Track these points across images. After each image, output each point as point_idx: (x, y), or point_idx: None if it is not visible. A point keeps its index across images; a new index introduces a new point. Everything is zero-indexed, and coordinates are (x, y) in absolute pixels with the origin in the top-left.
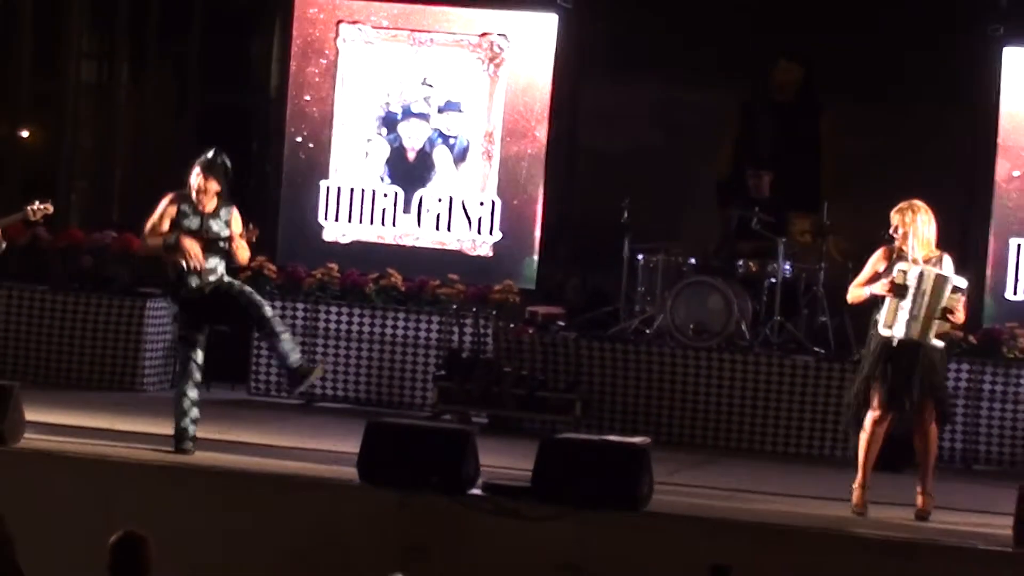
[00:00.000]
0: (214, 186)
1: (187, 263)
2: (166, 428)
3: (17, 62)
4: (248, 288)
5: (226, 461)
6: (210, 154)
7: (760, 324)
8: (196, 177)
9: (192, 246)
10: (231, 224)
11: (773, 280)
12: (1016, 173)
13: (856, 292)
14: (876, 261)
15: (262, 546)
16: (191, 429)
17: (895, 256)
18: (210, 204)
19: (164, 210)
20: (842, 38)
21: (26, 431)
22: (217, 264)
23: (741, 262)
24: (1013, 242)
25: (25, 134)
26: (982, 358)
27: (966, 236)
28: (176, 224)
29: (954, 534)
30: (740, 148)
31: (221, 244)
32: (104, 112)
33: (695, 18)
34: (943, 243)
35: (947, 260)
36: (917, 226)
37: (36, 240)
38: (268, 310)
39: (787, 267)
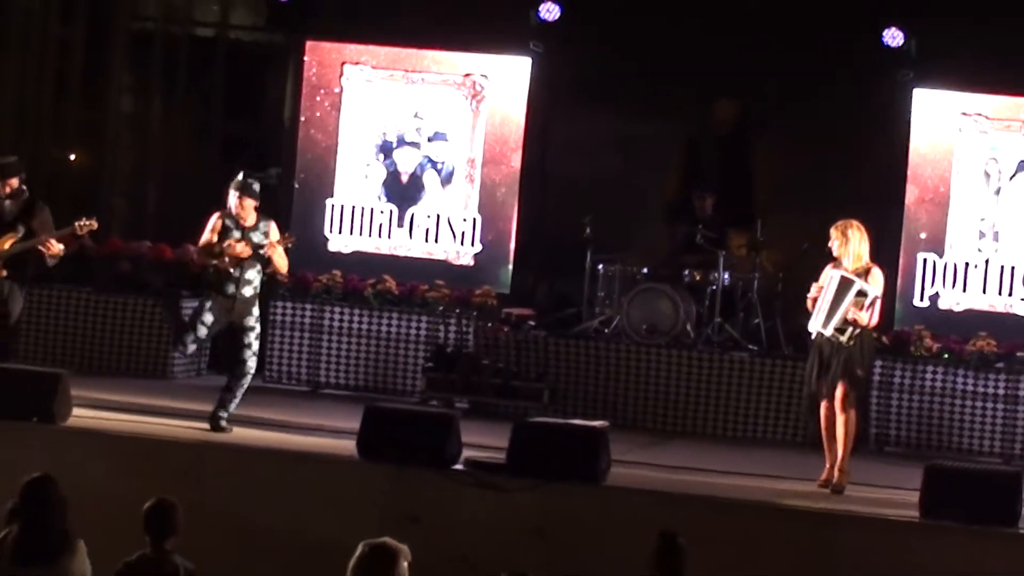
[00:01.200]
0: (250, 203)
1: (230, 265)
2: (193, 408)
3: (67, 96)
4: (254, 348)
5: (245, 438)
6: (240, 176)
7: (703, 325)
8: (233, 198)
9: (235, 246)
10: (269, 235)
11: (714, 287)
12: (921, 201)
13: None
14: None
15: (274, 512)
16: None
17: (833, 266)
18: (249, 219)
19: (212, 226)
20: (774, 79)
21: (73, 412)
22: (255, 276)
23: (687, 272)
24: (920, 256)
25: (73, 157)
26: (893, 356)
27: (880, 251)
28: (222, 237)
29: (870, 504)
30: (686, 174)
31: (260, 253)
32: (140, 139)
33: (648, 61)
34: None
35: (876, 272)
36: (848, 240)
37: (82, 248)
38: (248, 366)
39: (726, 276)
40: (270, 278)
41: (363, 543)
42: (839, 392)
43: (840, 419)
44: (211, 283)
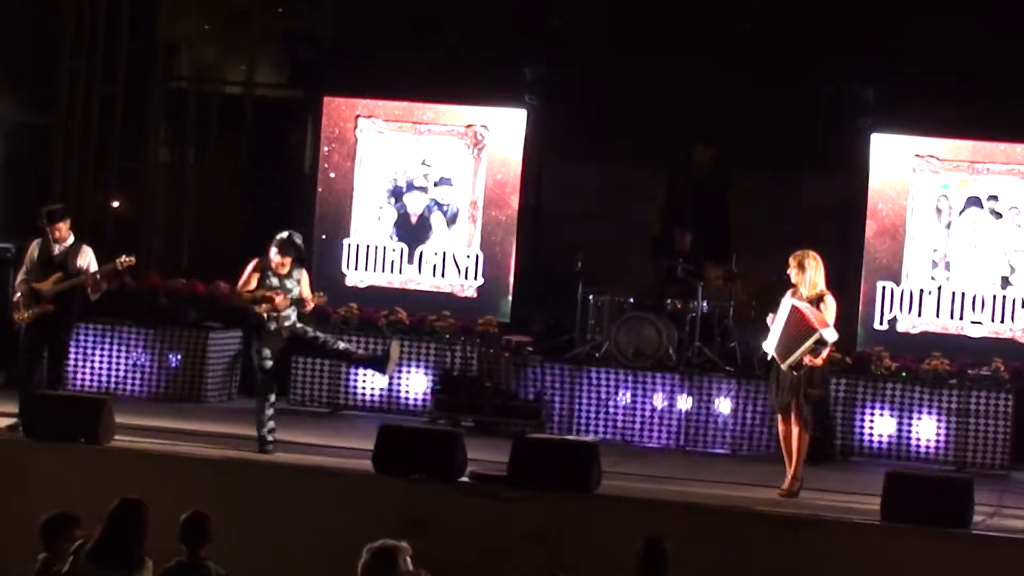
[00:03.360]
0: (289, 259)
1: (268, 311)
2: (225, 430)
3: (110, 147)
4: (320, 335)
5: (270, 456)
6: (284, 235)
7: (684, 349)
8: (275, 253)
9: (275, 296)
10: (301, 282)
11: (694, 315)
12: (880, 234)
13: None
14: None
15: (296, 522)
16: (269, 436)
17: (790, 293)
18: (285, 269)
19: (250, 273)
20: (745, 126)
21: (115, 434)
22: (291, 313)
23: (669, 301)
24: (879, 284)
25: (116, 204)
26: (856, 374)
27: (843, 280)
28: (260, 283)
29: (834, 510)
30: (667, 212)
31: (292, 297)
32: (176, 186)
33: (633, 113)
34: (829, 286)
35: (829, 299)
36: (805, 269)
37: (123, 285)
38: (341, 344)
39: (705, 305)
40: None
41: (366, 548)
42: (792, 408)
43: (793, 432)
44: (255, 328)
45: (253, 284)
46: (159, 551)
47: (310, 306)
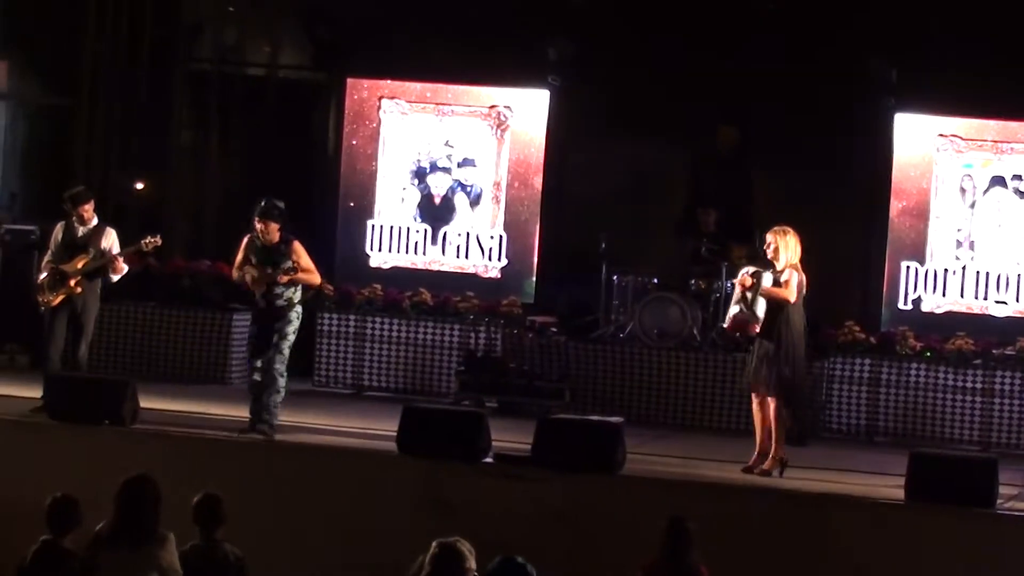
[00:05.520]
0: (274, 226)
1: (254, 286)
2: (246, 412)
3: (133, 130)
4: (284, 354)
5: (295, 438)
6: (263, 203)
7: (708, 329)
8: (257, 223)
9: (251, 270)
10: (293, 252)
11: (718, 295)
12: (904, 214)
13: None
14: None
15: (324, 503)
16: (264, 415)
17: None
18: (272, 237)
19: (242, 248)
20: (770, 106)
21: (140, 415)
22: (283, 289)
23: (693, 281)
24: (903, 265)
25: (140, 186)
26: (880, 355)
27: (868, 259)
28: (245, 259)
29: (860, 488)
30: (691, 193)
31: (285, 268)
32: (199, 169)
33: (657, 92)
34: (851, 265)
35: (792, 274)
36: (783, 246)
37: (147, 267)
38: (275, 372)
39: (729, 285)
40: (317, 292)
41: (436, 542)
42: (764, 388)
43: (770, 411)
44: (253, 304)
45: (241, 260)
46: (185, 534)
47: (313, 279)
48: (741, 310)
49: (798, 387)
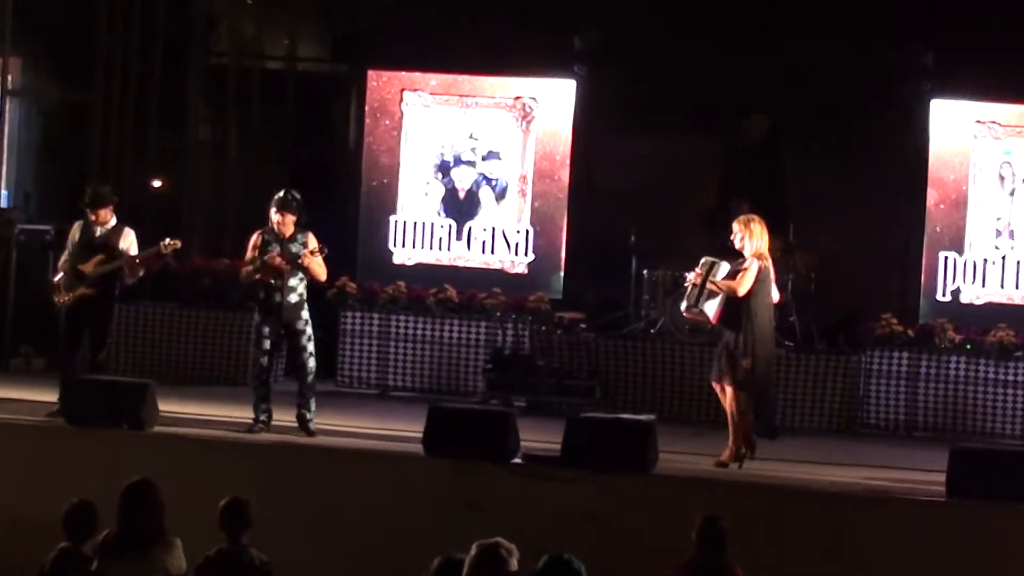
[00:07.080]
0: (291, 218)
1: (270, 277)
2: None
3: (150, 126)
4: (309, 349)
5: (319, 440)
6: (281, 193)
7: None
8: (274, 214)
9: (273, 259)
10: (308, 245)
11: None
12: (942, 203)
13: None
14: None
15: (349, 506)
16: (262, 416)
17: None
18: (289, 232)
19: (253, 243)
20: (802, 94)
21: (159, 419)
22: (298, 284)
23: None
24: (941, 255)
25: (157, 183)
26: (919, 347)
27: (906, 251)
28: (262, 252)
29: (900, 484)
30: (723, 183)
31: (298, 263)
32: (217, 165)
33: (686, 81)
34: (887, 256)
35: (752, 263)
36: (750, 235)
37: (166, 267)
38: (309, 367)
39: None
40: (340, 290)
41: (476, 544)
42: (726, 381)
43: (731, 403)
44: (261, 302)
45: (256, 255)
46: (207, 539)
47: (320, 271)
48: (687, 306)
49: (759, 380)
